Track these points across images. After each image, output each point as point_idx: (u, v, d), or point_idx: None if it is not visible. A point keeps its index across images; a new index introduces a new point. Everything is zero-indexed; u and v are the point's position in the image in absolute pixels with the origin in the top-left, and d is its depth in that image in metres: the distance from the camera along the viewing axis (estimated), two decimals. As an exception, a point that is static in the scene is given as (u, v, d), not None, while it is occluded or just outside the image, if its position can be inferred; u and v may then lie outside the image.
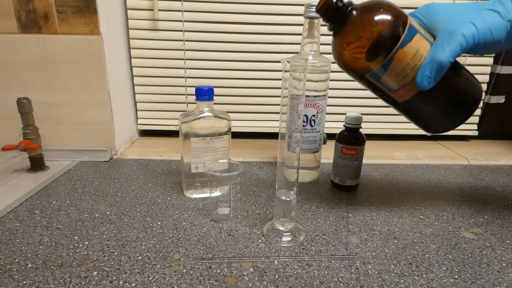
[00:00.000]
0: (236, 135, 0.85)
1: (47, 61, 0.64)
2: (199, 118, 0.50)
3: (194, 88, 0.50)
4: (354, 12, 0.39)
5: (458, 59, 0.38)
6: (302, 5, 0.53)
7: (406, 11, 0.39)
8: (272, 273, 0.37)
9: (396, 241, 0.44)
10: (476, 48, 0.37)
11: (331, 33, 0.41)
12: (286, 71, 0.37)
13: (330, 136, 0.62)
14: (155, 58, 0.80)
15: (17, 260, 0.38)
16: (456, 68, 0.40)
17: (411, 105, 0.41)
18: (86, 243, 0.41)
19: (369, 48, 0.38)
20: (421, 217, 0.50)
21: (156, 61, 0.80)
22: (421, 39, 0.38)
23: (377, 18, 0.37)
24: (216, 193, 0.47)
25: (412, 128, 0.88)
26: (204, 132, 0.50)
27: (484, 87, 0.84)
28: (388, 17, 0.37)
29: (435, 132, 0.45)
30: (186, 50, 0.79)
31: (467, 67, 0.43)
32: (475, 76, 0.42)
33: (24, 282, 0.35)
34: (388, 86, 0.40)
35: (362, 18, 0.38)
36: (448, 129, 0.43)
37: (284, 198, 0.42)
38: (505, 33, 0.36)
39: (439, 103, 0.41)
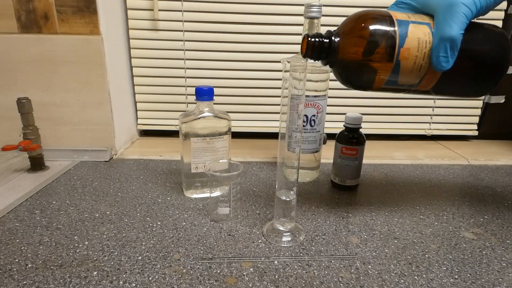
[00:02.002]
0: (236, 135, 0.85)
1: (47, 61, 0.64)
2: (199, 118, 0.50)
3: (194, 88, 0.50)
4: (338, 39, 0.37)
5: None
6: (302, 5, 0.53)
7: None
8: (272, 273, 0.37)
9: (396, 241, 0.44)
10: (480, 13, 0.35)
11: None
12: (286, 71, 0.37)
13: (330, 136, 0.62)
14: (155, 58, 0.80)
15: (17, 260, 0.38)
16: (468, 33, 0.35)
17: (441, 88, 0.39)
18: (86, 243, 0.41)
19: (370, 66, 0.36)
20: (421, 217, 0.50)
21: (156, 61, 0.80)
22: (417, 27, 0.36)
23: (363, 36, 0.35)
24: (216, 193, 0.47)
25: (412, 128, 0.88)
26: (204, 132, 0.50)
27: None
28: (372, 29, 0.35)
29: (478, 97, 0.42)
30: (186, 50, 0.79)
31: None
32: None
33: (24, 282, 0.35)
34: (408, 84, 0.38)
35: (349, 41, 0.37)
36: (487, 92, 0.41)
37: (284, 198, 0.42)
38: None
39: (467, 75, 0.38)
